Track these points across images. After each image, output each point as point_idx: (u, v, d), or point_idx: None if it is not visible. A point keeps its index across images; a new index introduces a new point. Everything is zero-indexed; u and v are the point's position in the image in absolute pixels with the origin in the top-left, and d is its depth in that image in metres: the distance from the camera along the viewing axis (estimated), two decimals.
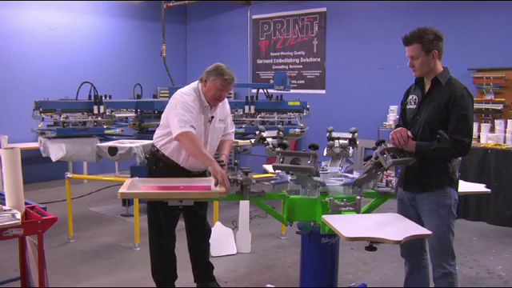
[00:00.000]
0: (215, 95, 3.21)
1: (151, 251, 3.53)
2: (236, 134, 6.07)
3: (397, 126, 3.01)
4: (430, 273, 2.97)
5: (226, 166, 3.15)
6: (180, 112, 3.11)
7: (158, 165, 3.40)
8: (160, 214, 3.39)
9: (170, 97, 3.63)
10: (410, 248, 3.02)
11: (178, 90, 3.32)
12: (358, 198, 2.79)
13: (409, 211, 2.92)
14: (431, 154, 2.78)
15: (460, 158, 2.96)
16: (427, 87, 2.88)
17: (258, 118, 6.13)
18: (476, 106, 5.70)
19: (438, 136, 2.75)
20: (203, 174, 3.44)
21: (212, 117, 3.31)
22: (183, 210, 3.12)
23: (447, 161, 2.82)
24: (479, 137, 6.06)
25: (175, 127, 3.10)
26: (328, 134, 3.37)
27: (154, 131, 3.54)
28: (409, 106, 2.98)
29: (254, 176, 2.93)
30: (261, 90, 6.56)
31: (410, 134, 2.81)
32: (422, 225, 2.75)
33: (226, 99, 3.44)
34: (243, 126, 6.11)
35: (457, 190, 2.88)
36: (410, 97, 2.98)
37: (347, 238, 2.29)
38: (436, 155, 2.78)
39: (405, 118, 3.01)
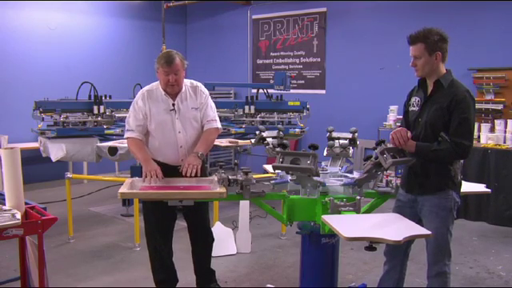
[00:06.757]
0: (165, 82, 3.32)
1: (149, 254, 3.56)
2: (236, 134, 6.14)
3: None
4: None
5: (199, 160, 3.24)
6: (129, 115, 3.43)
7: None
8: (153, 219, 3.42)
9: None
10: (395, 249, 3.03)
11: None
12: (358, 198, 2.79)
13: (404, 212, 2.91)
14: (430, 155, 2.78)
15: (462, 161, 2.95)
16: (430, 89, 2.87)
17: (258, 118, 6.12)
18: (476, 106, 5.67)
19: (440, 138, 2.75)
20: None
21: (173, 104, 3.36)
22: (182, 211, 3.12)
23: (449, 164, 2.82)
24: (479, 137, 6.05)
25: (125, 131, 3.47)
26: (328, 134, 3.36)
27: None
28: (411, 108, 2.98)
29: (254, 176, 2.93)
30: (261, 90, 6.55)
31: (409, 134, 2.81)
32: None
33: (200, 88, 3.50)
34: (243, 125, 6.10)
35: (459, 193, 2.88)
36: (413, 99, 2.98)
37: (347, 238, 2.29)
38: (435, 156, 2.78)
39: (407, 119, 3.01)
